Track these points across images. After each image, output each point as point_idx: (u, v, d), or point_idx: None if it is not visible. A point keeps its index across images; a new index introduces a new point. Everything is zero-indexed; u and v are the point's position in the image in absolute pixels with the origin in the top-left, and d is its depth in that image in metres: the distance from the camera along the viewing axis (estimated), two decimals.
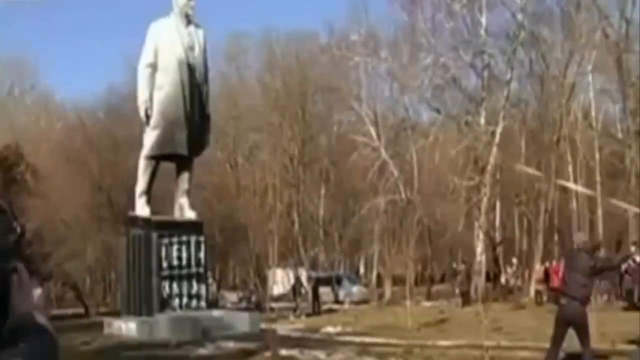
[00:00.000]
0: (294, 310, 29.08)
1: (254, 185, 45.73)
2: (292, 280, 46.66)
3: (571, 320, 9.42)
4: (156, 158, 15.02)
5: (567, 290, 9.45)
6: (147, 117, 14.22)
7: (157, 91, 14.25)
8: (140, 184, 15.06)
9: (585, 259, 9.39)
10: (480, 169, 34.89)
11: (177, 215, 15.78)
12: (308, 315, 28.19)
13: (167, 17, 14.58)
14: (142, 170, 14.93)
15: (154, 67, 14.22)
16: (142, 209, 15.00)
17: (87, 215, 37.42)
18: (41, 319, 1.64)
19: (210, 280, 35.68)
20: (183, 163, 15.43)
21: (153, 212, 15.11)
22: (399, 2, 39.13)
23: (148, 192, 15.00)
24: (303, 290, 31.33)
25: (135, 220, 15.34)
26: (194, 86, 14.46)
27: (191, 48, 14.32)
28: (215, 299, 31.32)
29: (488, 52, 36.12)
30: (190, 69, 14.29)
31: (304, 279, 34.59)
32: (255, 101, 48.42)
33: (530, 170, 30.21)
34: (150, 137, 14.41)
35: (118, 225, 34.34)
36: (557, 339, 9.61)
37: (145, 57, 14.25)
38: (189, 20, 14.30)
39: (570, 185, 32.21)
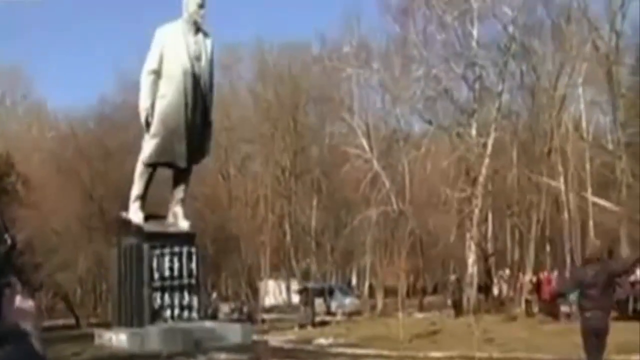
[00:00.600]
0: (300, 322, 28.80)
1: (246, 196, 45.70)
2: (284, 291, 46.67)
3: (597, 330, 9.45)
4: (153, 165, 14.84)
5: (587, 305, 9.46)
6: (148, 124, 13.95)
7: (159, 99, 13.92)
8: (136, 189, 14.84)
9: (594, 270, 9.36)
10: (472, 180, 34.98)
11: (170, 222, 15.66)
12: (302, 326, 28.10)
13: (175, 22, 14.06)
14: (139, 175, 14.71)
15: (157, 74, 13.82)
16: (135, 213, 14.83)
17: (79, 225, 37.26)
18: (27, 327, 1.67)
19: (214, 295, 35.53)
20: (181, 172, 15.32)
21: (147, 216, 14.92)
22: (391, 13, 39.37)
23: (143, 197, 14.79)
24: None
25: (127, 227, 15.19)
26: (198, 96, 14.10)
27: (197, 58, 13.90)
28: (215, 309, 31.24)
29: (479, 63, 36.30)
30: (195, 78, 13.91)
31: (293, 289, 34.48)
32: (248, 112, 48.45)
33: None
34: (149, 145, 14.17)
35: (109, 235, 34.21)
36: (591, 350, 9.63)
37: (149, 64, 13.84)
38: (197, 28, 13.84)
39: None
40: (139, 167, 14.80)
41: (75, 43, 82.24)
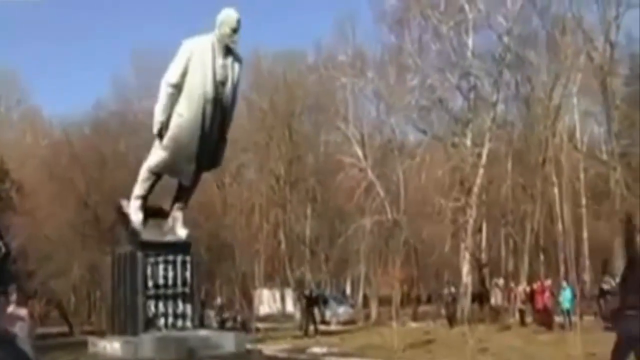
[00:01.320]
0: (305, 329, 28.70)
1: (241, 204, 45.63)
2: (278, 300, 46.59)
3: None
4: (158, 174, 14.60)
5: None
6: (161, 136, 13.54)
7: (176, 115, 13.33)
8: (138, 189, 14.50)
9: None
10: (466, 190, 35.03)
11: (169, 227, 15.55)
12: (305, 333, 27.98)
13: (205, 37, 13.31)
14: (143, 178, 14.34)
15: (178, 88, 13.17)
16: (135, 213, 14.54)
17: (73, 232, 37.13)
18: (19, 333, 1.69)
19: (227, 315, 34.98)
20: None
21: (146, 212, 14.63)
22: (386, 23, 39.51)
23: (144, 197, 14.48)
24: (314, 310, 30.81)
25: (124, 221, 14.99)
26: (216, 119, 13.48)
27: (223, 82, 13.09)
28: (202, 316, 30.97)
29: (474, 73, 36.43)
30: (216, 103, 13.20)
31: (289, 298, 34.36)
32: (242, 120, 48.43)
33: None
34: (158, 155, 13.77)
35: (104, 243, 34.14)
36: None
37: (171, 76, 13.08)
38: (228, 50, 13.05)
39: None
40: (144, 172, 14.48)
41: (71, 49, 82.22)
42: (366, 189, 37.98)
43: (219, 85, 12.84)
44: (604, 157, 36.31)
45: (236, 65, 13.74)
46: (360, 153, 39.06)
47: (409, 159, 39.09)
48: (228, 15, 12.62)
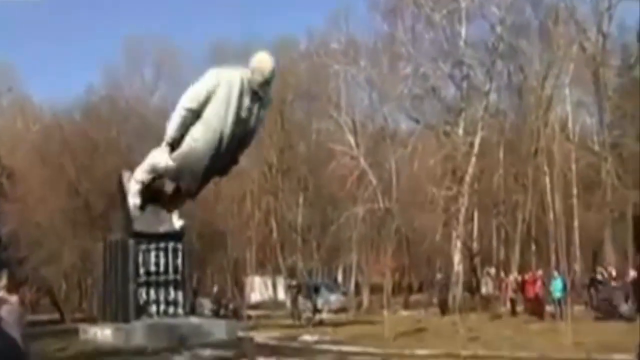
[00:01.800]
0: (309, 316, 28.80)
1: (233, 192, 45.52)
2: (270, 288, 46.62)
3: None
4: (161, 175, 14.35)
5: None
6: (172, 148, 13.03)
7: (190, 138, 12.77)
8: (140, 174, 13.84)
9: None
10: (458, 179, 35.08)
11: (164, 216, 15.46)
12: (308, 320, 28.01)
13: (235, 71, 12.24)
14: (147, 169, 13.84)
15: (195, 114, 12.57)
16: (133, 196, 14.23)
17: (64, 219, 36.94)
18: (8, 319, 1.67)
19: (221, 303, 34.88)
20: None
21: (144, 197, 14.32)
22: (379, 11, 39.40)
23: (145, 185, 14.11)
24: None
25: (122, 197, 14.80)
26: (230, 150, 13.06)
27: (244, 122, 12.57)
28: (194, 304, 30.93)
29: (467, 62, 36.41)
30: (233, 137, 12.68)
31: (281, 286, 34.38)
32: None
33: None
34: (165, 160, 13.22)
35: (95, 229, 34.00)
36: None
37: (189, 100, 12.30)
38: (256, 95, 12.38)
39: None
40: (148, 166, 14.07)
41: (61, 35, 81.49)
42: (358, 177, 37.98)
43: (241, 123, 12.33)
44: (596, 147, 36.39)
45: (262, 112, 13.11)
46: (352, 141, 39.03)
47: (402, 147, 39.09)
48: (261, 62, 12.08)
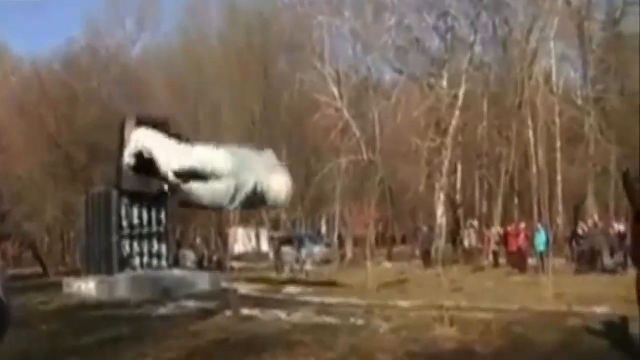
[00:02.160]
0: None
1: (217, 144, 45.26)
2: (253, 239, 46.80)
3: None
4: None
5: None
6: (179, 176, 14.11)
7: (196, 194, 13.94)
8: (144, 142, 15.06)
9: None
10: (442, 131, 35.07)
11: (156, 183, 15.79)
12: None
13: (251, 173, 14.10)
14: (153, 154, 14.78)
15: (211, 175, 13.83)
16: (130, 157, 15.48)
17: (44, 172, 36.60)
18: None
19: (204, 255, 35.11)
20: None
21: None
22: None
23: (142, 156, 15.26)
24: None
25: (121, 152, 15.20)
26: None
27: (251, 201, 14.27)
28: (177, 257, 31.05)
29: (452, 14, 36.09)
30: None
31: (264, 238, 34.49)
32: (217, 57, 47.63)
33: None
34: (181, 165, 14.21)
35: (77, 182, 33.76)
36: None
37: (222, 168, 14.17)
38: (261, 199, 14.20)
39: None
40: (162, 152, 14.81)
41: None
42: (342, 129, 37.83)
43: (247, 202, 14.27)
44: (579, 102, 36.41)
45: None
46: (336, 92, 38.75)
47: (385, 99, 38.90)
48: (280, 186, 14.21)
